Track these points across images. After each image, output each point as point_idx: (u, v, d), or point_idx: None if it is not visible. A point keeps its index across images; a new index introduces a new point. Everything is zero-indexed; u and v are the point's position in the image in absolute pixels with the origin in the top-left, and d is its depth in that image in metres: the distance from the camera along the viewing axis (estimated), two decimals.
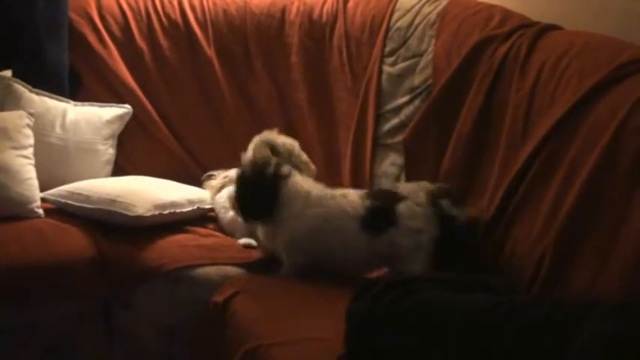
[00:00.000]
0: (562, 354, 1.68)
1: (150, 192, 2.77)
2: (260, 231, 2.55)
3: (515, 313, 1.82)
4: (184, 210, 2.77)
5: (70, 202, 2.75)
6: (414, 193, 2.41)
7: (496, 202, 2.44)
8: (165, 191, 2.81)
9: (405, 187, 2.49)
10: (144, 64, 3.19)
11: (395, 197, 2.42)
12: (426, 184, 2.46)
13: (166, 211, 2.71)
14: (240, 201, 2.48)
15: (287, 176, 2.45)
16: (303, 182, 2.47)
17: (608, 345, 1.64)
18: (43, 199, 2.77)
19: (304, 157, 2.59)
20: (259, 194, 2.44)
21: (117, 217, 2.68)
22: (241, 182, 2.47)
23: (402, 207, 2.37)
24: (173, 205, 2.74)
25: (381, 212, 2.38)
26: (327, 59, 3.19)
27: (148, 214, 2.67)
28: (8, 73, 2.98)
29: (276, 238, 2.49)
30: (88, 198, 2.73)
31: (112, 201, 2.69)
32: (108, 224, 2.71)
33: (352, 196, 2.44)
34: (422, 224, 2.35)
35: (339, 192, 2.48)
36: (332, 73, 3.17)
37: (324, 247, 2.44)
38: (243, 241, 2.69)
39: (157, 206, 2.70)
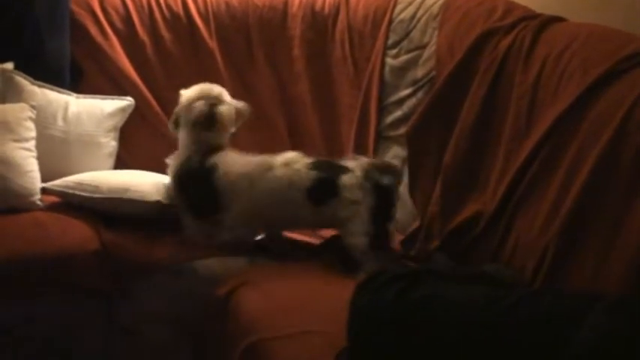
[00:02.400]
0: (564, 347, 1.68)
1: (159, 183, 2.77)
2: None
3: (518, 305, 1.82)
4: None
5: (77, 192, 2.73)
6: (355, 166, 2.51)
7: (499, 194, 2.43)
8: None
9: (346, 161, 2.57)
10: (146, 56, 3.18)
11: (339, 169, 2.51)
12: (364, 159, 2.56)
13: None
14: (188, 204, 2.64)
15: (215, 168, 2.57)
16: (234, 164, 2.57)
17: (609, 340, 1.64)
18: (44, 191, 2.77)
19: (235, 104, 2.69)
20: (200, 196, 2.62)
21: (132, 204, 2.67)
22: (179, 187, 2.65)
23: (344, 179, 2.48)
24: None
25: (325, 184, 2.49)
26: (330, 52, 3.18)
27: (165, 201, 2.68)
28: (10, 65, 2.98)
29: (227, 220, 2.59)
30: (97, 188, 2.72)
31: (126, 189, 2.69)
32: (116, 215, 2.70)
33: (297, 164, 2.52)
34: (361, 195, 2.46)
35: (279, 160, 2.54)
36: (334, 66, 3.16)
37: (272, 217, 2.57)
38: None
39: (171, 197, 2.70)
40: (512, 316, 1.80)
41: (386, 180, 2.52)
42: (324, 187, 2.49)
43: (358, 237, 2.47)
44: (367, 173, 2.49)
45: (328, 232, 2.71)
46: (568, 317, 1.73)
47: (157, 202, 2.67)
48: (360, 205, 2.46)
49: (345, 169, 2.51)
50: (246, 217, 2.58)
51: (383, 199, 2.50)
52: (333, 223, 2.57)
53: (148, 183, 2.76)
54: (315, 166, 2.53)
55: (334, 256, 2.56)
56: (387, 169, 2.59)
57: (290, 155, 2.58)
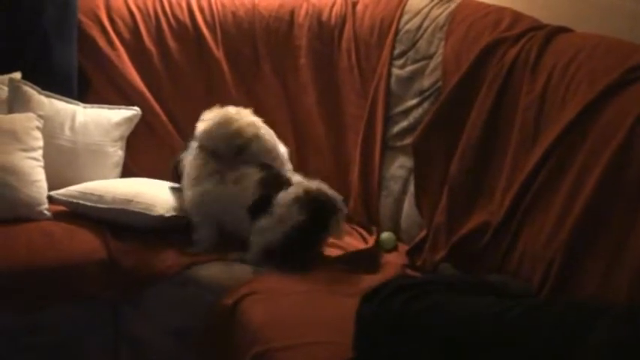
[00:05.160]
0: (573, 356, 1.68)
1: (165, 194, 2.78)
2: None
3: (526, 315, 1.82)
4: None
5: (82, 202, 2.74)
6: (298, 184, 2.64)
7: (505, 205, 2.43)
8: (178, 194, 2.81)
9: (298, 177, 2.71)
10: (152, 67, 3.19)
11: (280, 185, 2.63)
12: (309, 184, 2.66)
13: (182, 213, 2.72)
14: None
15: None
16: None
17: (619, 348, 1.64)
18: (50, 200, 2.77)
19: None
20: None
21: (135, 216, 2.68)
22: None
23: (280, 196, 2.59)
24: None
25: (263, 201, 2.60)
26: (336, 62, 3.18)
27: (168, 214, 2.68)
28: (17, 75, 2.99)
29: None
30: (101, 198, 2.73)
31: (129, 201, 2.70)
32: (119, 225, 2.71)
33: (246, 182, 2.64)
34: (289, 213, 2.55)
35: (232, 177, 2.67)
36: (341, 76, 3.17)
37: (219, 217, 2.69)
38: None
39: (175, 208, 2.72)
40: (520, 326, 1.80)
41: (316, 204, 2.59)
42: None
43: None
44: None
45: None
46: (577, 326, 1.73)
47: (160, 217, 2.68)
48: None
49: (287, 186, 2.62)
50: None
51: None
52: None
53: (153, 194, 2.76)
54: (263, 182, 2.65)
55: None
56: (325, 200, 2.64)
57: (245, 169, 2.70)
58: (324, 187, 2.65)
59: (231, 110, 2.76)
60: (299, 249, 2.58)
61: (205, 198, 2.68)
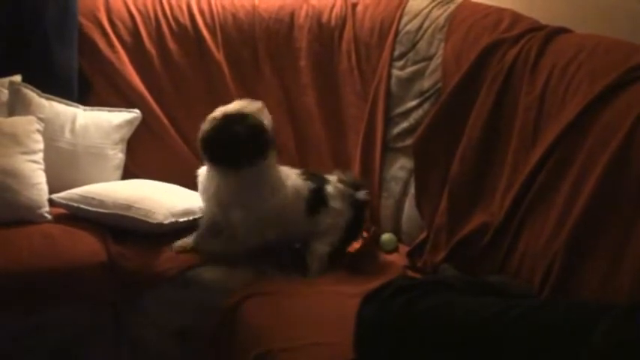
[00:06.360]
0: (576, 356, 1.68)
1: (165, 199, 2.78)
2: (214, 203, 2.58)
3: (527, 316, 1.82)
4: (197, 217, 2.76)
5: (82, 206, 2.74)
6: (331, 177, 2.64)
7: (506, 205, 2.43)
8: (179, 198, 2.82)
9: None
10: (153, 69, 3.19)
11: (322, 179, 2.63)
12: (335, 173, 2.68)
13: (182, 219, 2.72)
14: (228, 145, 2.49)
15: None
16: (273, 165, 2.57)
17: (622, 347, 1.64)
18: (51, 203, 2.77)
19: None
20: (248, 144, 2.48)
21: (134, 223, 2.68)
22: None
23: (329, 189, 2.60)
24: (187, 212, 2.75)
25: (317, 194, 2.59)
26: (336, 63, 3.19)
27: (167, 221, 2.69)
28: (18, 78, 2.99)
29: (234, 215, 2.53)
30: (102, 202, 2.73)
31: (129, 206, 2.70)
32: (119, 229, 2.71)
33: (293, 176, 2.60)
34: (344, 206, 2.60)
35: (283, 172, 2.60)
36: (341, 77, 3.17)
37: (279, 227, 2.58)
38: (179, 243, 2.67)
39: (174, 214, 2.72)
40: (521, 326, 1.80)
41: (361, 195, 2.64)
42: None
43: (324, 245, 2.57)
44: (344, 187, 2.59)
45: None
46: (578, 327, 1.73)
47: (159, 224, 2.67)
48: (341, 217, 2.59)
49: (327, 180, 2.62)
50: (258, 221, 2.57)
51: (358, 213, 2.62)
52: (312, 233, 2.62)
53: (154, 199, 2.76)
54: (306, 176, 2.62)
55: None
56: (359, 184, 2.68)
57: (283, 167, 2.64)
58: (349, 175, 2.69)
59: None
60: (350, 242, 2.63)
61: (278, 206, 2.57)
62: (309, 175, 2.64)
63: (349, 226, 2.63)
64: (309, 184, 2.59)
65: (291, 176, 2.60)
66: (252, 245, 2.58)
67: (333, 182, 2.64)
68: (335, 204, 2.60)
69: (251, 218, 2.53)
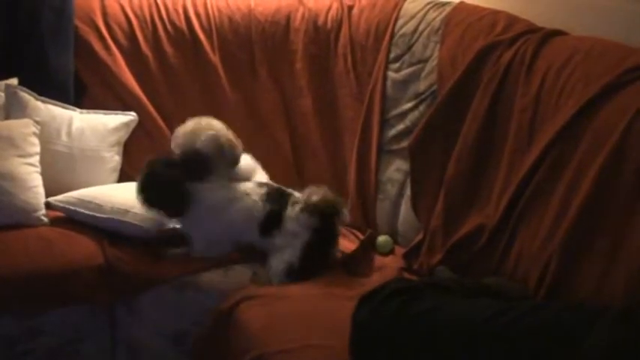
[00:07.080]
0: (572, 357, 1.68)
1: None
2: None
3: (523, 317, 1.82)
4: None
5: (79, 209, 2.74)
6: (297, 196, 2.63)
7: (501, 207, 2.43)
8: None
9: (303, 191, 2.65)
10: (149, 72, 3.19)
11: (285, 199, 2.62)
12: (316, 191, 2.61)
13: (178, 225, 2.72)
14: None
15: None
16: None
17: (618, 349, 1.64)
18: (48, 206, 2.77)
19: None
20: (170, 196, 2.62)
21: (131, 227, 2.68)
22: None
23: (288, 211, 2.59)
24: None
25: (273, 217, 2.59)
26: (332, 65, 3.19)
27: (163, 227, 2.69)
28: (14, 81, 2.99)
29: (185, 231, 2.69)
30: (99, 206, 2.73)
31: (126, 211, 2.70)
32: (116, 233, 2.71)
33: (250, 197, 2.62)
34: (300, 229, 2.55)
35: (239, 191, 2.63)
36: (337, 80, 3.17)
37: (232, 243, 2.67)
38: (173, 251, 2.69)
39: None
40: (517, 327, 1.80)
41: (317, 222, 2.57)
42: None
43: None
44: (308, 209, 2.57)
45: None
46: (573, 328, 1.74)
47: (155, 229, 2.68)
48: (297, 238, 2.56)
49: (289, 200, 2.61)
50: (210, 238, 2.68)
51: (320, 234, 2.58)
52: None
53: None
54: (268, 197, 2.62)
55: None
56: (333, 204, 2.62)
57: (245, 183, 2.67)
58: (328, 195, 2.61)
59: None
60: (317, 262, 2.58)
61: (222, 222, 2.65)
62: (272, 194, 2.63)
63: (309, 247, 2.55)
64: (266, 206, 2.60)
65: (245, 197, 2.62)
66: (216, 255, 2.65)
67: (295, 203, 2.60)
68: (290, 226, 2.57)
69: (200, 235, 2.65)
